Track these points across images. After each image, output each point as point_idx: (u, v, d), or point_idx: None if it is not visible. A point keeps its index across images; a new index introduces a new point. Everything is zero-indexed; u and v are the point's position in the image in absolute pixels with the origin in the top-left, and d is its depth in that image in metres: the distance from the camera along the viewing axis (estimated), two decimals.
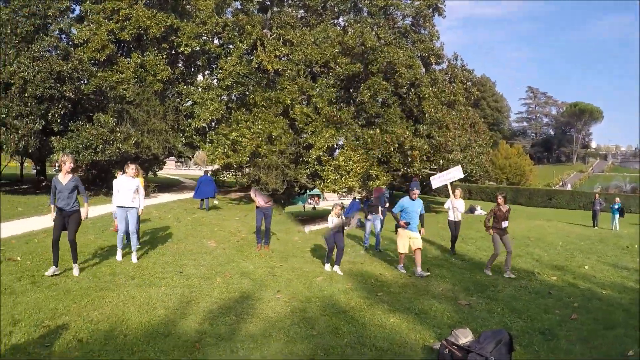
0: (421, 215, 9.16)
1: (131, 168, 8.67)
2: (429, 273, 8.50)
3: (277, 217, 16.34)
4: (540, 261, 10.74)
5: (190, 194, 21.02)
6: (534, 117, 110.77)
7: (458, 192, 12.01)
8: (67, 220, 6.95)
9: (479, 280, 8.41)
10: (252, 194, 10.89)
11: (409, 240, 8.87)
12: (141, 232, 11.67)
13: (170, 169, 69.78)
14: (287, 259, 9.30)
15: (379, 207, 12.07)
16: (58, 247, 7.02)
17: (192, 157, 28.34)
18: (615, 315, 6.55)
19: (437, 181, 13.71)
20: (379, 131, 19.45)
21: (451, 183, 13.64)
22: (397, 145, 18.27)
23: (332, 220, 8.74)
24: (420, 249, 8.79)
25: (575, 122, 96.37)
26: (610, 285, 8.55)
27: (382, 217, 13.18)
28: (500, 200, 9.32)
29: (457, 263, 10.09)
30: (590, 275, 9.44)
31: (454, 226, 11.62)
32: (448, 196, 12.52)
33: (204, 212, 16.62)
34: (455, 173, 13.66)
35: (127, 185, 8.51)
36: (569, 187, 55.53)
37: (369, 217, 11.99)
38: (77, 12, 24.19)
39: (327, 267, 8.85)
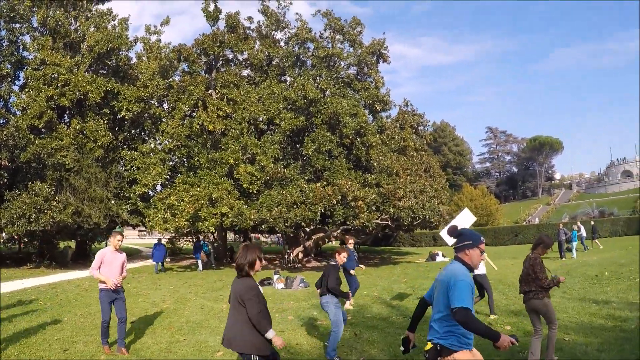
0: None
1: None
2: None
3: (212, 285, 15.31)
4: (496, 307, 9.51)
5: (143, 263, 24.87)
6: (496, 157, 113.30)
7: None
8: None
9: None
10: (94, 273, 6.71)
11: None
12: (55, 304, 10.96)
13: (132, 239, 67.71)
14: (197, 332, 8.24)
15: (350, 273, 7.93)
16: None
17: (146, 224, 27.33)
18: None
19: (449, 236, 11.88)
20: (319, 185, 18.92)
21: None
22: (340, 198, 17.67)
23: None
24: None
25: (536, 156, 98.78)
26: (575, 328, 7.73)
27: (356, 285, 10.78)
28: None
29: (398, 321, 9.07)
30: None
31: (484, 281, 9.34)
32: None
33: (137, 283, 16.14)
34: (464, 219, 11.41)
35: None
36: (536, 221, 55.77)
37: (325, 298, 6.79)
38: (21, 79, 23.73)
39: None
